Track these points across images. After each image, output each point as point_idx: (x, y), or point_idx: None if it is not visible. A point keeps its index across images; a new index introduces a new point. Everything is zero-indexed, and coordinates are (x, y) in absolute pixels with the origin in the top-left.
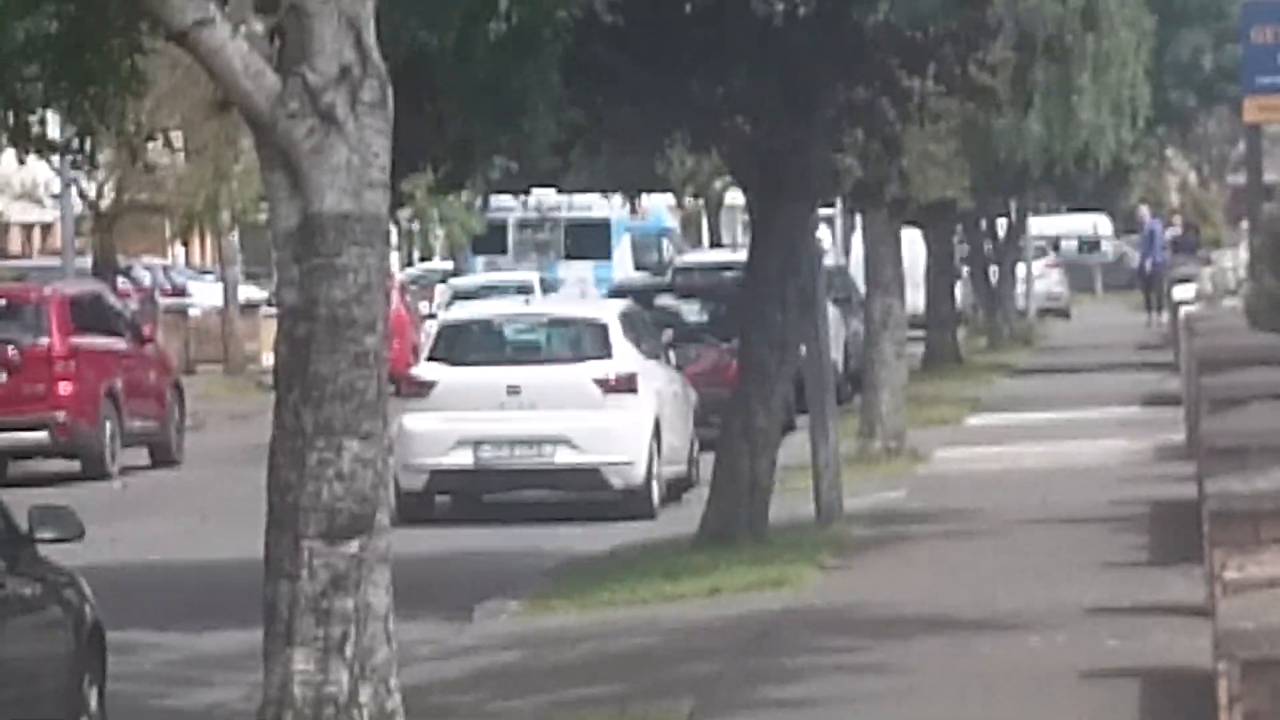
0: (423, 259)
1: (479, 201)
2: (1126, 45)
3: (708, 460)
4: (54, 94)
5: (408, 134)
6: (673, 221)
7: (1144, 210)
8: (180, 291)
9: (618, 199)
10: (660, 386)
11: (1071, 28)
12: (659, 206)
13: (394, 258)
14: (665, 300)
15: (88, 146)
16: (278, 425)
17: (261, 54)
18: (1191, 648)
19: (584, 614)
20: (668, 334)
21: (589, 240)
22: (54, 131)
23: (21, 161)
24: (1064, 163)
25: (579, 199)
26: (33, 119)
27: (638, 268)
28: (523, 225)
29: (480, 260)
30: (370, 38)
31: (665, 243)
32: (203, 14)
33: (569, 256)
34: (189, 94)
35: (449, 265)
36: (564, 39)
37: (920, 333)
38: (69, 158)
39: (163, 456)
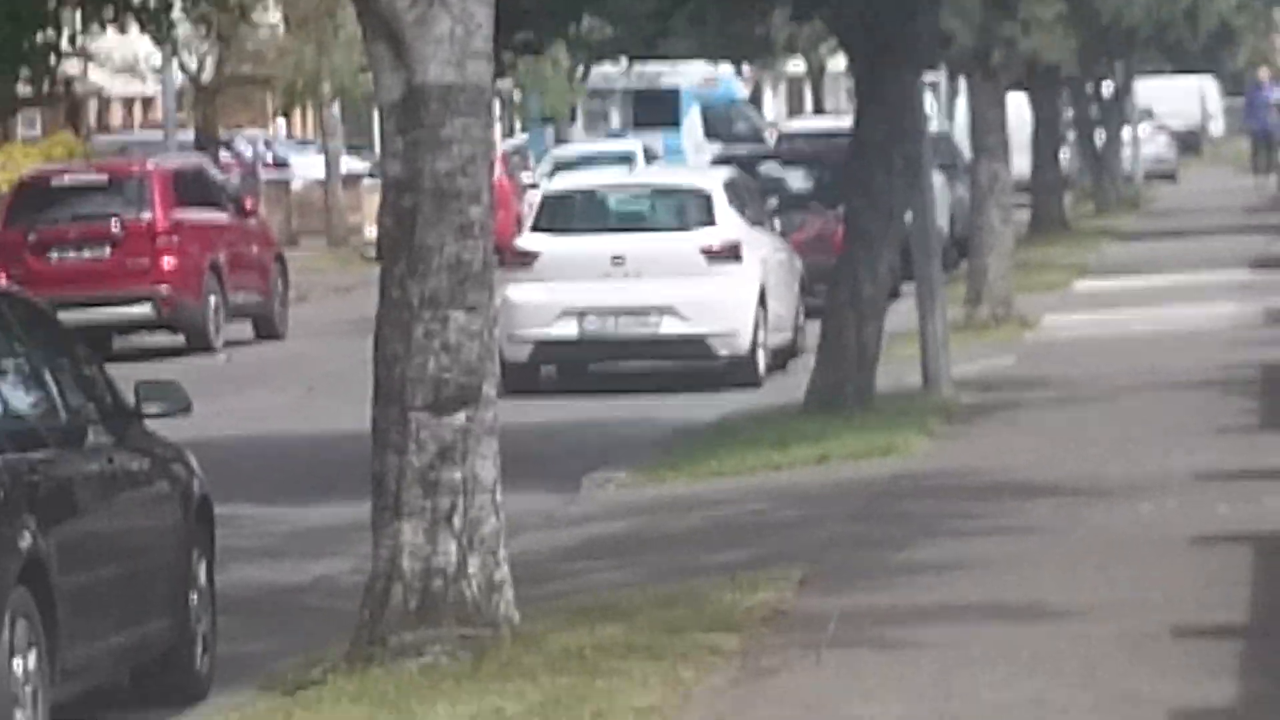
0: (522, 129)
1: (580, 70)
2: None
3: (813, 328)
4: None
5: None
6: (743, 91)
7: (1263, 72)
8: (282, 164)
9: (691, 67)
10: (765, 254)
11: None
12: (729, 76)
13: (495, 128)
14: (770, 167)
15: (174, 17)
16: (383, 298)
17: None
18: None
19: (692, 483)
20: (773, 201)
21: (657, 109)
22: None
23: (123, 30)
24: (1171, 25)
25: (648, 69)
26: None
27: (707, 137)
28: (591, 94)
29: (549, 129)
30: None
31: (738, 112)
32: None
33: (638, 125)
34: None
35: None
36: None
37: (1026, 198)
38: (169, 29)
39: (267, 329)
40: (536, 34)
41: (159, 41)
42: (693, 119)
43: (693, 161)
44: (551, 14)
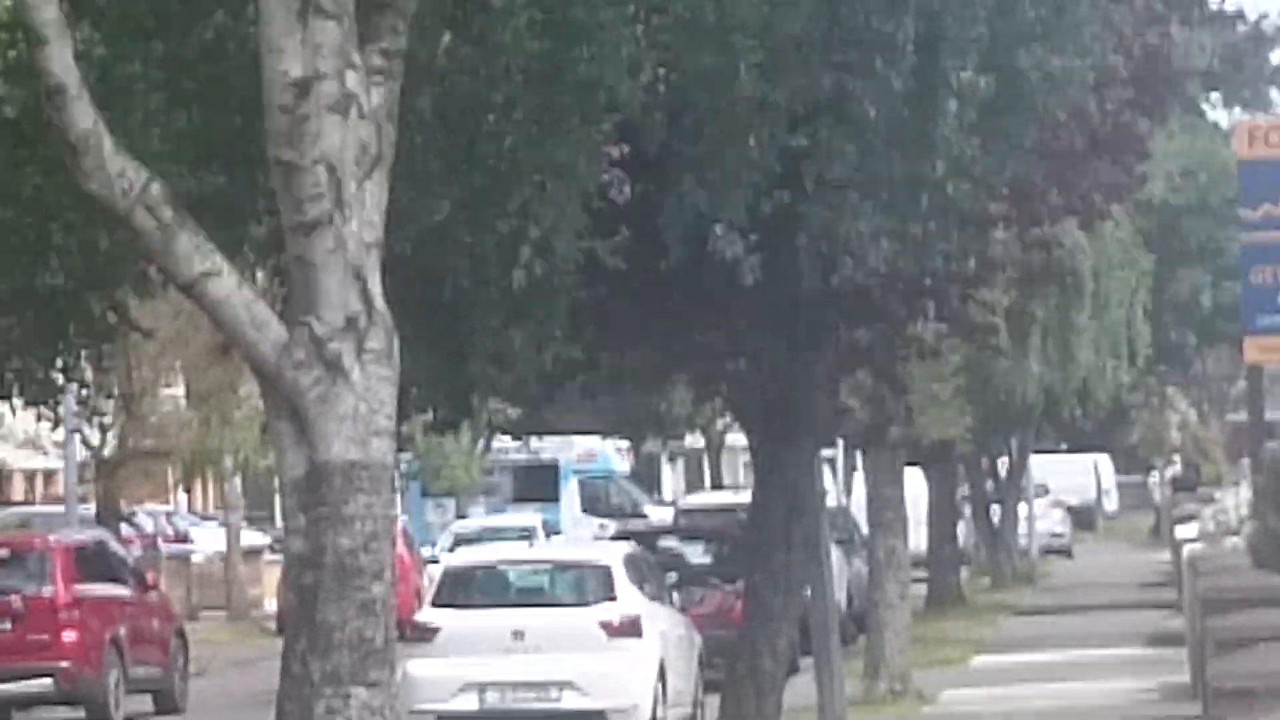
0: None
1: (481, 444)
2: (1125, 285)
3: (713, 703)
4: (56, 345)
5: (406, 377)
6: (621, 465)
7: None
8: (183, 537)
9: (572, 441)
10: (665, 629)
11: (1068, 269)
12: (607, 450)
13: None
14: (669, 542)
15: (88, 397)
16: (285, 673)
17: (267, 303)
18: None
19: None
20: (672, 576)
21: (537, 483)
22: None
23: (40, 416)
24: (1065, 402)
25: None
26: (39, 367)
27: (585, 511)
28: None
29: (429, 503)
30: (376, 287)
31: (615, 486)
32: (209, 265)
33: (517, 499)
34: (191, 340)
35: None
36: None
37: (923, 572)
38: (73, 406)
39: (167, 704)
40: (445, 414)
41: (50, 418)
42: (571, 493)
43: (570, 536)
44: (451, 396)
